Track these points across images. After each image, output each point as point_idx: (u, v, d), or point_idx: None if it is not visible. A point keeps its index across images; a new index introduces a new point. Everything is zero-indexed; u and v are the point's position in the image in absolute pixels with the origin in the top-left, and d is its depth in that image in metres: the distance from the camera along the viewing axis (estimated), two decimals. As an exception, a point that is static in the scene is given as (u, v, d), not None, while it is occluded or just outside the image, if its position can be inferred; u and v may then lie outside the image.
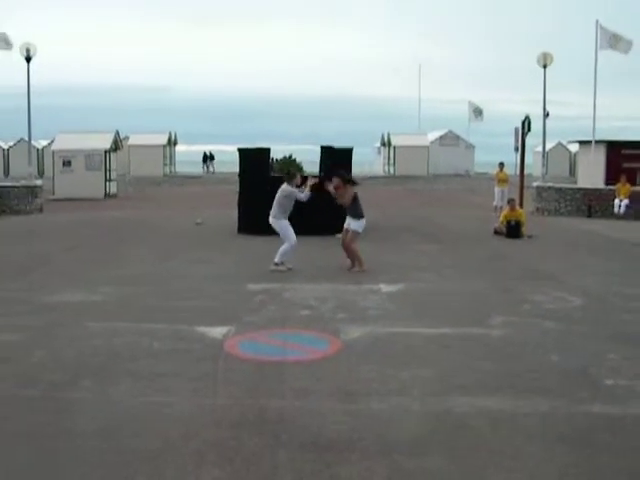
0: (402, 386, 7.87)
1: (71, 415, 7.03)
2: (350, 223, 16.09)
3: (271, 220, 16.57)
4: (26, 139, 36.45)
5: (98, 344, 9.55)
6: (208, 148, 77.23)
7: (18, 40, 32.20)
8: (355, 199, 16.05)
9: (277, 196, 16.58)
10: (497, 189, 31.25)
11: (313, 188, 16.61)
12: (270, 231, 21.16)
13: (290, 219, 18.42)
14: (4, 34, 32.05)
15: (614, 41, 32.56)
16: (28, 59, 31.92)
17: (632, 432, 6.74)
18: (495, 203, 30.30)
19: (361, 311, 11.68)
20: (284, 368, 8.54)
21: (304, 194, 16.61)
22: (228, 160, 55.81)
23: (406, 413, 7.09)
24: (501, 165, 32.12)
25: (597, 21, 32.88)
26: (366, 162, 69.87)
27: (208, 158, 75.18)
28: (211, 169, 74.31)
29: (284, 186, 16.64)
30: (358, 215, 16.09)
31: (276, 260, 15.91)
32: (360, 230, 16.11)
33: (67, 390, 7.75)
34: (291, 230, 16.35)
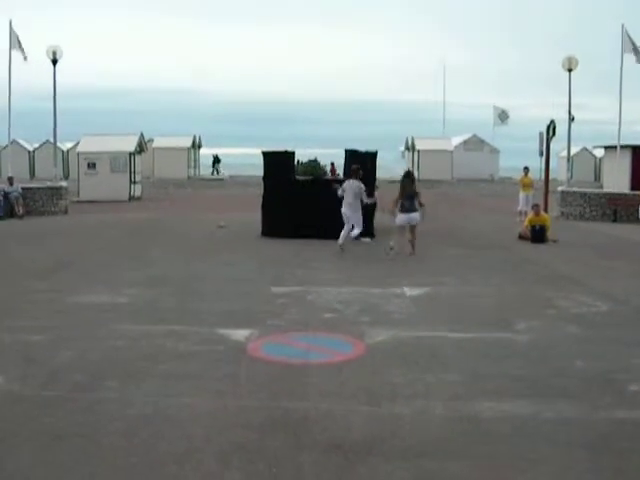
0: (426, 390, 7.85)
1: (96, 415, 7.05)
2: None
3: (347, 210, 19.61)
4: (51, 141, 36.64)
5: (123, 345, 9.60)
6: (216, 151, 77.03)
7: (44, 43, 32.39)
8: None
9: (354, 191, 19.55)
10: (522, 194, 31.05)
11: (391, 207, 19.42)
12: (294, 234, 21.28)
13: (314, 225, 19.26)
14: (20, 44, 32.17)
15: (635, 51, 32.48)
16: (54, 62, 32.10)
17: (658, 438, 6.69)
18: (520, 208, 30.14)
19: (385, 314, 11.67)
20: (308, 371, 8.55)
21: (370, 199, 20.00)
22: (249, 163, 55.91)
23: (430, 417, 7.08)
24: (526, 170, 31.94)
25: (622, 25, 32.74)
26: (390, 166, 69.79)
27: (215, 161, 74.85)
28: (221, 172, 73.94)
29: (358, 182, 19.69)
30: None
31: (354, 234, 19.70)
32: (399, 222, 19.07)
33: (92, 390, 7.79)
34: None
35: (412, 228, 18.88)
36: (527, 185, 30.98)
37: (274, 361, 8.92)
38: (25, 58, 32.36)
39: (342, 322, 11.08)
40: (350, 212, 19.61)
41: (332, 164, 34.46)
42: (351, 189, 19.62)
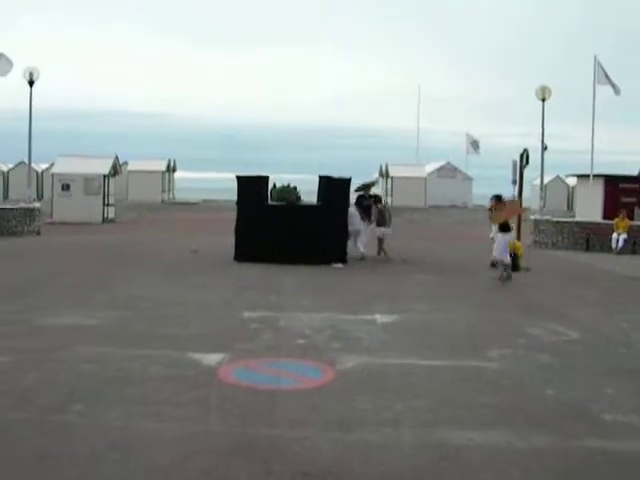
0: (396, 417, 7.80)
1: (62, 440, 6.94)
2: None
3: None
4: (26, 162, 36.51)
5: (91, 369, 9.47)
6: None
7: (20, 63, 32.34)
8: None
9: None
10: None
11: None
12: (267, 259, 21.28)
13: (287, 250, 20.09)
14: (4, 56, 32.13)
15: (608, 80, 32.96)
16: (31, 83, 32.05)
17: (630, 468, 6.68)
18: (492, 235, 30.24)
19: (356, 341, 11.62)
20: (278, 397, 8.48)
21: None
22: (224, 187, 55.87)
23: (400, 444, 7.02)
24: (497, 197, 32.08)
25: (595, 56, 33.20)
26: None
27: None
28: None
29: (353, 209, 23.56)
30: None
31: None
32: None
33: (58, 414, 7.66)
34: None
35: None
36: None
37: (244, 386, 8.84)
38: (8, 71, 32.19)
39: (313, 348, 11.02)
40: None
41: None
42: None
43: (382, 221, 24.29)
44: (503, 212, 21.55)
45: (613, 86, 33.66)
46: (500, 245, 19.91)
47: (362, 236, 23.77)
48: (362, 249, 23.52)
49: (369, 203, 24.47)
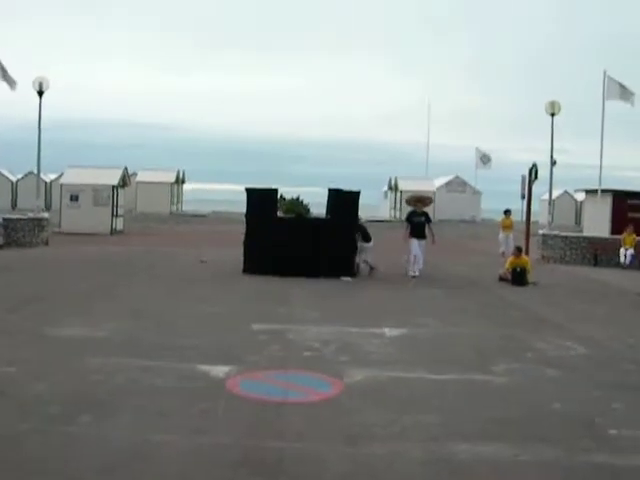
0: (403, 431, 7.81)
1: (69, 452, 6.96)
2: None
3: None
4: (35, 172, 36.60)
5: (99, 379, 9.50)
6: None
7: (30, 74, 32.47)
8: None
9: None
10: (501, 234, 31.36)
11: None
12: (276, 271, 21.33)
13: (295, 263, 20.10)
14: (8, 74, 32.33)
15: (622, 92, 32.88)
16: (40, 93, 32.12)
17: (635, 484, 6.68)
18: (502, 249, 30.29)
19: (364, 354, 11.63)
20: (285, 409, 8.49)
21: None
22: (233, 199, 55.96)
23: (407, 458, 7.02)
24: (507, 212, 32.19)
25: (604, 71, 33.17)
26: (372, 206, 69.96)
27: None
28: None
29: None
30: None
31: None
32: None
33: (65, 425, 7.68)
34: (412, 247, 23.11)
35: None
36: (507, 227, 31.23)
37: (252, 398, 8.85)
38: (13, 87, 32.39)
39: (321, 361, 11.03)
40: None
41: None
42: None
43: (367, 237, 23.28)
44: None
45: (629, 98, 33.50)
46: None
47: (368, 252, 23.28)
48: (370, 260, 23.17)
49: (420, 220, 23.45)
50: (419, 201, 24.44)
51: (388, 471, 6.70)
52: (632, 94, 33.48)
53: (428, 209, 24.13)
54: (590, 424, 8.29)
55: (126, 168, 43.82)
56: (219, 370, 10.11)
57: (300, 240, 22.01)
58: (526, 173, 31.26)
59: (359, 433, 7.68)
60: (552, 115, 32.06)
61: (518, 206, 32.30)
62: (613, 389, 9.89)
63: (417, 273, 22.78)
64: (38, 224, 31.66)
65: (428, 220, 23.70)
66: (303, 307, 16.32)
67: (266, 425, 7.85)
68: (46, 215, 33.34)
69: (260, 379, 9.85)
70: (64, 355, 10.83)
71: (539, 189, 35.07)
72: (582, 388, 9.94)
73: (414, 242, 23.09)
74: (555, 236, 31.71)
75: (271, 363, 10.83)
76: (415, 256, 22.99)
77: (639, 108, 34.24)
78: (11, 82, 31.99)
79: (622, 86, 33.29)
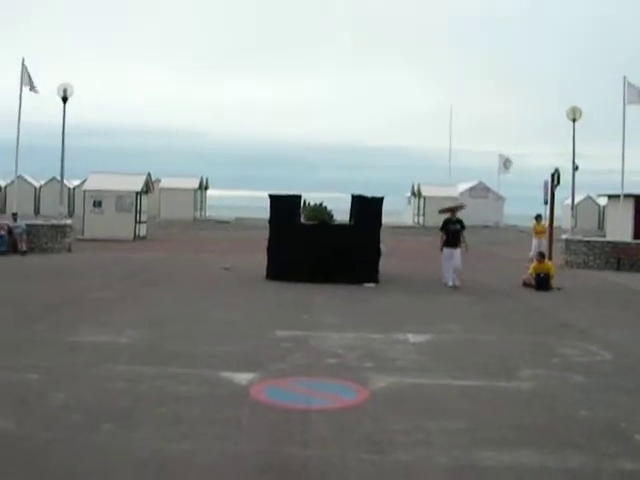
0: (428, 438, 7.77)
1: (92, 460, 6.96)
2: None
3: None
4: (58, 178, 36.80)
5: (122, 387, 9.51)
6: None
7: (57, 80, 32.70)
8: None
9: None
10: (535, 240, 31.24)
11: None
12: (300, 278, 21.34)
13: (318, 269, 20.05)
14: (30, 79, 32.65)
15: None
16: (65, 99, 32.30)
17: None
18: (531, 254, 30.17)
19: (388, 361, 11.60)
20: (309, 416, 8.47)
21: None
22: (256, 205, 56.06)
23: (432, 465, 6.99)
24: (538, 217, 32.10)
25: (624, 77, 33.10)
26: (395, 212, 69.90)
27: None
28: None
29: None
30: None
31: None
32: None
33: (88, 433, 7.68)
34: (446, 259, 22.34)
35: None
36: (540, 232, 31.14)
37: (276, 406, 8.85)
38: (35, 90, 32.67)
39: (345, 368, 11.01)
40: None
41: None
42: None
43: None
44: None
45: None
46: None
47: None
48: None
49: (456, 228, 22.70)
50: (452, 210, 23.80)
51: (414, 478, 6.67)
52: None
53: (460, 214, 23.39)
54: (616, 430, 8.23)
55: (149, 174, 43.98)
56: (243, 377, 10.11)
57: (323, 246, 21.99)
58: (548, 178, 31.14)
59: (384, 440, 7.65)
60: (573, 120, 32.00)
61: (541, 211, 32.15)
62: (638, 394, 9.83)
63: (453, 283, 21.91)
64: (61, 230, 31.83)
65: (463, 227, 23.02)
66: (326, 313, 16.30)
67: (290, 432, 7.83)
68: (69, 221, 33.50)
69: (284, 386, 9.84)
70: (87, 363, 10.84)
71: (561, 194, 34.90)
72: (608, 393, 9.87)
73: (446, 252, 22.43)
74: (578, 241, 31.58)
75: (295, 370, 10.82)
76: (452, 267, 22.17)
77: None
78: (33, 86, 32.33)
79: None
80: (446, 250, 22.42)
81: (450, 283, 21.93)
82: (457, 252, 22.39)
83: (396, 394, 9.58)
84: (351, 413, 8.66)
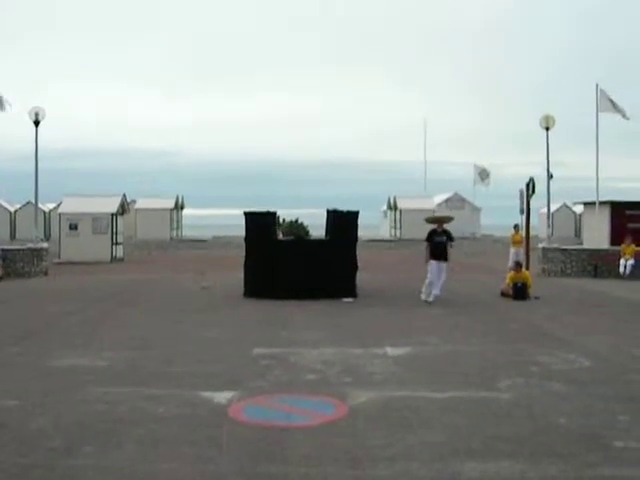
0: (409, 451, 7.76)
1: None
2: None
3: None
4: (33, 202, 36.66)
5: (101, 409, 9.45)
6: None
7: (27, 104, 32.65)
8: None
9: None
10: (512, 250, 31.38)
11: None
12: (277, 295, 21.32)
13: (296, 285, 19.87)
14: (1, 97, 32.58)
15: (612, 106, 33.10)
16: (37, 123, 32.22)
17: (643, 497, 6.63)
18: (510, 264, 30.29)
19: (367, 375, 11.59)
20: (289, 434, 8.44)
21: None
22: (232, 224, 55.99)
23: (413, 479, 6.98)
24: (516, 227, 32.26)
25: (597, 85, 33.42)
26: (372, 226, 70.03)
27: None
28: None
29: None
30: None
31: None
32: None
33: (67, 457, 7.61)
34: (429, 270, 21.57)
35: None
36: (518, 242, 31.30)
37: (255, 424, 8.81)
38: (2, 109, 32.55)
39: (324, 383, 11.00)
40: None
41: None
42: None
43: None
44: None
45: (620, 111, 33.76)
46: None
47: None
48: None
49: (441, 239, 21.70)
50: (439, 221, 22.82)
51: (394, 493, 6.66)
52: (622, 111, 33.67)
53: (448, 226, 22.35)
54: (596, 437, 8.24)
55: (124, 195, 43.93)
56: (222, 396, 10.07)
57: (300, 262, 22.00)
58: (523, 188, 31.31)
59: (364, 455, 7.63)
60: (547, 129, 32.19)
61: (517, 221, 32.35)
62: (618, 401, 9.85)
63: (430, 299, 21.12)
64: (37, 254, 31.68)
65: (450, 239, 22.03)
66: (305, 329, 16.28)
67: (270, 450, 7.80)
68: (45, 245, 33.36)
69: (263, 404, 9.81)
70: (65, 386, 10.77)
71: (537, 203, 35.09)
72: (587, 401, 9.89)
73: (432, 265, 21.51)
74: (555, 249, 31.79)
75: (274, 387, 10.79)
76: (431, 281, 21.37)
77: (634, 120, 34.42)
78: (5, 105, 32.22)
79: (612, 102, 33.50)
80: (432, 262, 21.54)
81: (423, 297, 21.28)
82: (443, 266, 21.60)
83: (376, 408, 9.56)
84: (331, 429, 8.63)
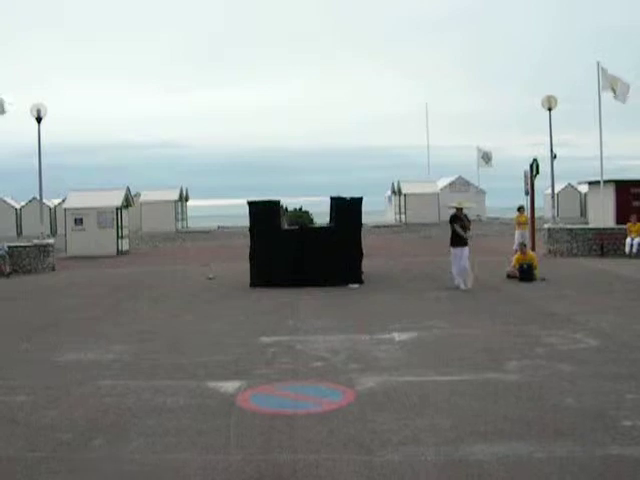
0: (417, 435, 7.78)
1: (82, 476, 6.95)
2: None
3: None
4: (38, 198, 36.66)
5: (110, 402, 9.48)
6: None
7: (29, 100, 32.64)
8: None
9: None
10: (517, 232, 31.28)
11: None
12: (283, 283, 21.31)
13: (302, 273, 19.71)
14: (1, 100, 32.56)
15: (613, 85, 32.87)
16: (39, 119, 32.21)
17: (653, 474, 6.63)
18: (515, 246, 30.24)
19: (374, 361, 11.61)
20: (297, 421, 8.46)
21: None
22: (236, 214, 55.98)
23: (421, 462, 6.99)
24: (520, 209, 32.16)
25: (598, 63, 33.21)
26: (377, 211, 69.99)
27: None
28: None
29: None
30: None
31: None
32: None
33: (78, 450, 7.66)
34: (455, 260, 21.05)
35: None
36: (523, 223, 31.19)
37: (263, 412, 8.83)
38: (5, 109, 32.54)
39: (331, 370, 11.01)
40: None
41: None
42: None
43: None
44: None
45: (620, 89, 33.51)
46: None
47: None
48: None
49: (463, 224, 21.16)
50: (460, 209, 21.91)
51: (404, 477, 6.66)
52: (626, 85, 33.45)
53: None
54: (604, 417, 8.25)
55: (129, 189, 43.89)
56: (229, 386, 10.10)
57: (305, 250, 22.01)
58: (527, 169, 31.27)
59: (372, 440, 7.65)
60: (549, 110, 32.12)
61: (523, 202, 32.28)
62: (625, 380, 9.86)
63: (463, 286, 20.63)
64: (44, 250, 31.68)
65: (468, 221, 21.72)
66: (311, 317, 16.29)
67: (279, 438, 7.82)
68: (51, 241, 33.36)
69: (271, 392, 9.83)
70: (75, 380, 10.80)
71: (542, 183, 35.06)
72: (594, 381, 9.90)
73: (454, 252, 21.11)
74: (561, 229, 31.68)
75: (281, 375, 10.81)
76: (459, 268, 20.91)
77: (635, 98, 34.22)
78: (5, 108, 32.22)
79: (615, 78, 33.29)
80: (453, 250, 21.15)
81: (461, 286, 20.70)
82: (465, 251, 21.08)
83: (383, 393, 9.57)
84: (339, 415, 8.65)
